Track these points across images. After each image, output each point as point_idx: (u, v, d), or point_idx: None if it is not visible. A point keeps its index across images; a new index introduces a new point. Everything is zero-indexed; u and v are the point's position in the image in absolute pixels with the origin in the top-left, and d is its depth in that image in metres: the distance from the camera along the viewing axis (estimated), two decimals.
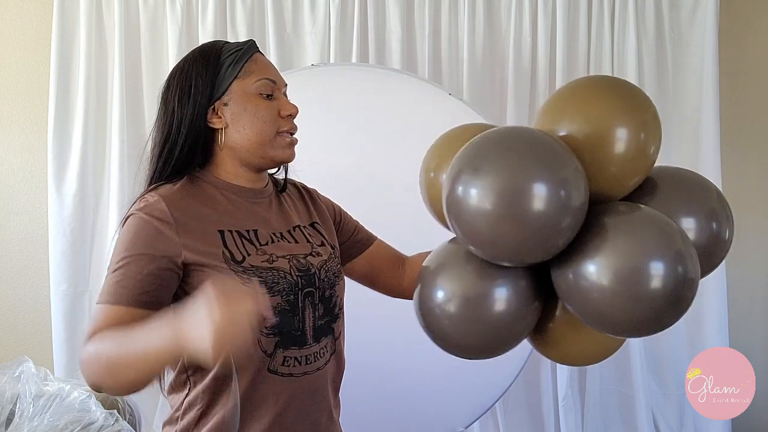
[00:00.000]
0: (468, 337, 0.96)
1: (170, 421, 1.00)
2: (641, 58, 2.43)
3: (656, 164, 0.97)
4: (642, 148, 0.90)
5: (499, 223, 0.84)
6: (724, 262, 2.58)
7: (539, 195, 0.82)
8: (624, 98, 0.90)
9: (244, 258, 0.95)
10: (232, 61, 1.00)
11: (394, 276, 1.23)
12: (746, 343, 2.46)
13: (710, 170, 2.41)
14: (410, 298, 1.21)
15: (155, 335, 0.79)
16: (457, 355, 1.01)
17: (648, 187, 0.96)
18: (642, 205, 0.91)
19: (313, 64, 2.22)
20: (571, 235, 0.87)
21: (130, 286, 0.88)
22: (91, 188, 2.32)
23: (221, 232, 0.96)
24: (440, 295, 0.97)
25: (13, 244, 2.39)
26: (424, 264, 1.04)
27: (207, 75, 0.99)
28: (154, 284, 0.89)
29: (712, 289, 2.43)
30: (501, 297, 0.94)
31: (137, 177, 1.05)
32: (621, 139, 0.88)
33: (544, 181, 0.83)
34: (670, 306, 0.85)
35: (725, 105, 2.45)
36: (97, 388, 0.85)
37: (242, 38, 2.32)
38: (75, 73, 2.30)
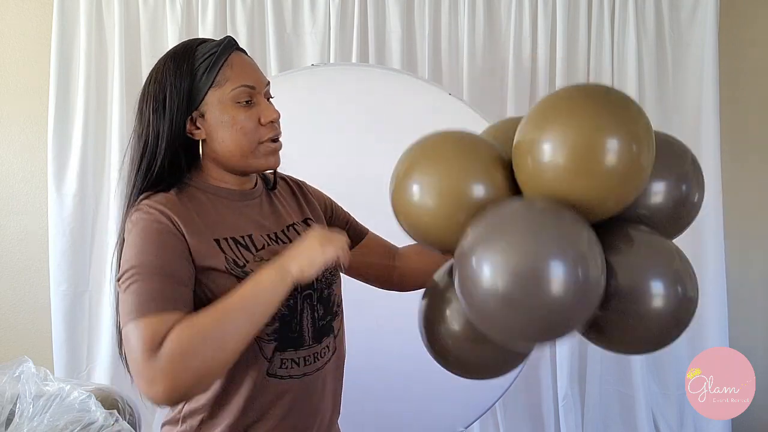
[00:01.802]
0: (472, 357, 0.95)
1: (171, 422, 1.00)
2: (641, 58, 2.43)
3: None
4: (635, 161, 0.83)
5: (514, 308, 0.78)
6: (724, 262, 2.58)
7: (559, 278, 0.76)
8: (615, 108, 0.84)
9: (245, 264, 0.94)
10: (206, 68, 0.94)
11: (386, 269, 1.21)
12: (746, 343, 2.46)
13: (710, 170, 2.41)
14: (402, 290, 1.21)
15: (256, 282, 0.86)
16: (458, 374, 0.98)
17: None
18: (643, 229, 0.89)
19: (313, 64, 2.22)
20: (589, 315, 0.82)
21: (160, 289, 0.84)
22: (91, 188, 2.32)
23: (217, 241, 0.93)
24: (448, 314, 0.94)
25: (13, 244, 2.39)
26: (434, 278, 1.01)
27: (181, 84, 0.93)
28: (183, 277, 0.88)
29: (712, 289, 2.43)
30: None
31: (120, 181, 1.01)
32: (612, 151, 0.81)
33: (561, 260, 0.77)
34: (670, 326, 0.85)
35: (725, 105, 2.45)
36: (184, 392, 0.80)
37: (242, 38, 2.32)
38: (75, 73, 2.30)
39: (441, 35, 2.40)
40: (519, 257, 0.77)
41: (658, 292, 0.84)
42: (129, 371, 0.91)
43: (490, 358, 0.94)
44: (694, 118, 2.45)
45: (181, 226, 0.90)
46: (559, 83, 2.39)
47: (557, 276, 0.76)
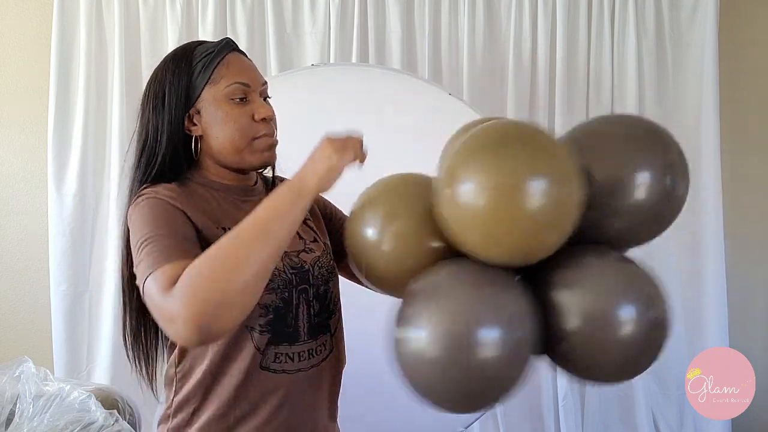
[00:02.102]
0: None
1: (163, 419, 1.00)
2: (641, 58, 2.43)
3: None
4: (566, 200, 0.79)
5: (446, 372, 0.77)
6: (724, 262, 2.59)
7: (487, 340, 0.76)
8: (535, 146, 0.79)
9: None
10: (203, 67, 0.97)
11: None
12: (746, 343, 2.46)
13: (710, 170, 2.41)
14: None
15: (271, 199, 0.85)
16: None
17: (603, 137, 0.89)
18: (606, 252, 0.86)
19: (313, 64, 2.22)
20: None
21: (173, 245, 0.85)
22: (91, 188, 2.32)
23: (224, 229, 0.94)
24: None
25: (13, 244, 2.39)
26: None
27: (179, 82, 0.96)
28: (192, 238, 0.88)
29: (712, 289, 2.43)
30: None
31: (124, 176, 1.04)
32: (534, 193, 0.76)
33: (492, 323, 0.76)
34: (642, 351, 0.83)
35: (725, 105, 2.45)
36: (205, 323, 0.76)
37: (242, 38, 2.32)
38: (75, 73, 2.30)
39: (441, 35, 2.40)
40: (449, 324, 0.77)
41: (627, 317, 0.81)
42: (131, 357, 0.97)
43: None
44: (694, 118, 2.45)
45: (185, 209, 0.92)
46: (559, 83, 2.39)
47: (486, 341, 0.76)
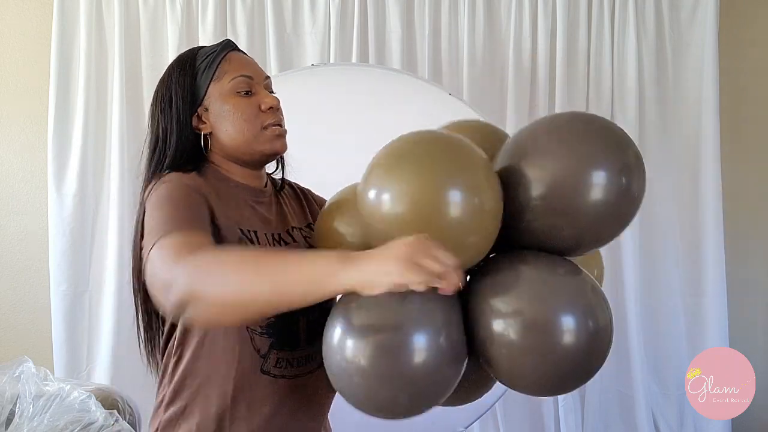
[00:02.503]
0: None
1: (156, 411, 1.00)
2: (641, 58, 2.43)
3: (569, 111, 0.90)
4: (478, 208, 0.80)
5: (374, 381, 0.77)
6: (724, 262, 2.58)
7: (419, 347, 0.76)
8: (455, 157, 0.81)
9: None
10: (206, 65, 1.00)
11: None
12: (746, 343, 2.46)
13: (710, 170, 2.41)
14: None
15: (310, 255, 0.79)
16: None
17: (555, 137, 0.85)
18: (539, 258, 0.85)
19: (313, 64, 2.22)
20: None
21: (186, 217, 0.86)
22: (91, 188, 2.32)
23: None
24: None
25: (13, 244, 2.39)
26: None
27: (185, 83, 0.99)
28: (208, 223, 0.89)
29: (712, 289, 2.43)
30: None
31: (138, 178, 1.04)
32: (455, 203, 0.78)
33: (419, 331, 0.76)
34: (583, 361, 0.81)
35: (725, 105, 2.45)
36: (192, 307, 0.77)
37: (242, 38, 2.32)
38: (75, 73, 2.30)
39: (441, 35, 2.40)
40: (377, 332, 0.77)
41: (568, 326, 0.79)
42: (144, 352, 0.97)
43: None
44: (694, 118, 2.45)
45: (206, 194, 0.93)
46: (559, 83, 2.39)
47: (419, 348, 0.76)
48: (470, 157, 0.83)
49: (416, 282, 0.70)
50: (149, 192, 0.93)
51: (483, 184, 0.81)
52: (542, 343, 0.79)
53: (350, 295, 0.79)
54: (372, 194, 0.82)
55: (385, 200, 0.80)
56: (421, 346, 0.76)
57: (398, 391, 0.78)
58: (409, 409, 0.81)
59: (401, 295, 0.73)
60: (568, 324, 0.79)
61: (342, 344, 0.79)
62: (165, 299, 0.79)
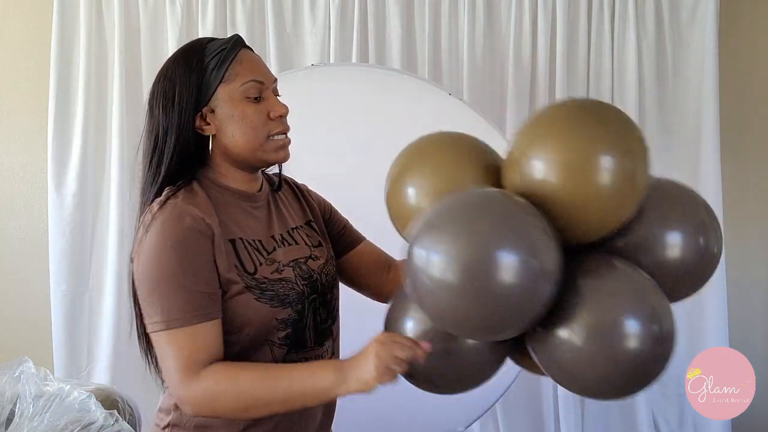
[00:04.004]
0: (436, 371, 0.94)
1: (163, 409, 1.00)
2: (641, 58, 2.43)
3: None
4: (630, 179, 0.81)
5: (465, 299, 0.77)
6: (724, 263, 2.58)
7: (507, 266, 0.75)
8: (608, 124, 0.82)
9: (255, 269, 0.94)
10: (216, 64, 0.94)
11: (380, 279, 1.19)
12: (746, 343, 2.46)
13: (710, 171, 2.41)
14: None
15: (313, 374, 0.89)
16: (427, 390, 0.98)
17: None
18: (616, 262, 0.85)
19: (313, 64, 2.22)
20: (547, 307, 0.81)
21: (191, 299, 0.88)
22: (91, 188, 2.32)
23: (232, 241, 0.94)
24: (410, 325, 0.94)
25: (13, 244, 2.39)
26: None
27: (191, 80, 0.94)
28: (211, 281, 0.91)
29: (712, 289, 2.43)
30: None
31: (137, 178, 1.02)
32: (606, 169, 0.79)
33: (511, 251, 0.75)
34: (647, 365, 0.83)
35: (725, 105, 2.44)
36: (206, 417, 0.94)
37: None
38: (75, 73, 2.30)
39: (441, 35, 2.40)
40: (466, 246, 0.76)
41: (633, 331, 0.80)
42: (144, 352, 0.98)
43: (455, 370, 0.93)
44: (694, 118, 2.45)
45: (212, 224, 0.92)
46: (559, 83, 2.39)
47: (506, 265, 0.75)
48: (628, 125, 0.84)
49: (391, 379, 0.87)
50: (149, 226, 0.90)
51: (638, 154, 0.82)
52: (608, 347, 0.81)
53: (438, 210, 0.81)
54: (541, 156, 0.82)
55: (536, 166, 0.82)
56: (511, 263, 0.76)
57: (486, 311, 0.78)
58: (493, 331, 0.82)
59: (496, 212, 0.78)
60: (633, 329, 0.81)
61: (431, 261, 0.77)
62: (179, 402, 0.93)
